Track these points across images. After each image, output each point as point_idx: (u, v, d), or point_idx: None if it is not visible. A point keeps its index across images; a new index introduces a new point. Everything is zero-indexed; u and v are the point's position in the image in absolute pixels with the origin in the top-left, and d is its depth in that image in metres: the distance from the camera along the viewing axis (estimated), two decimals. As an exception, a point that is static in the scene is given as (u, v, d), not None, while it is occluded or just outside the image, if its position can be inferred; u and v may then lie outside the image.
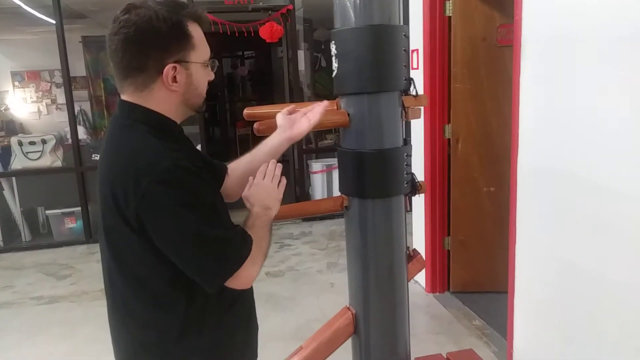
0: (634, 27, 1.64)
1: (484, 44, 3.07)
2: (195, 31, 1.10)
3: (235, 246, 1.09)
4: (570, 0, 1.92)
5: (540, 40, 2.11)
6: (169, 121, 1.13)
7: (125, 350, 1.21)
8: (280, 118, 1.40)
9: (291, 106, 1.46)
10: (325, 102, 1.46)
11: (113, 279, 1.18)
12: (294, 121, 1.40)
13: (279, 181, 1.26)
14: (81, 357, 2.94)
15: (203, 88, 1.17)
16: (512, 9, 2.25)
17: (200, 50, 1.12)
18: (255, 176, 1.23)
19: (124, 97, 1.12)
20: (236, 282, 1.10)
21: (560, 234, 2.08)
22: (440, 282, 3.47)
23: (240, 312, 1.23)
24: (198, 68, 1.12)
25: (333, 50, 1.59)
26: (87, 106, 6.49)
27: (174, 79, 1.08)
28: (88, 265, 4.51)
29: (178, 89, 1.09)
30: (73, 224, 5.12)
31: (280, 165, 1.28)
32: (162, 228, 1.03)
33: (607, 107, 1.78)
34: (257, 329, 1.33)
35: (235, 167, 1.41)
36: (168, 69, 1.06)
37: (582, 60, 1.89)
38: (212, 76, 1.19)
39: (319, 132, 6.01)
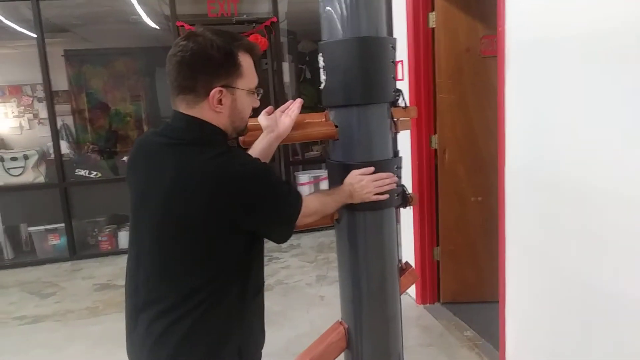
0: (618, 34, 1.66)
1: (468, 55, 3.10)
2: (245, 61, 1.24)
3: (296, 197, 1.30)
4: (552, 10, 1.94)
5: (524, 49, 2.12)
6: (223, 132, 1.26)
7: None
8: (262, 119, 1.47)
9: (268, 107, 1.51)
10: (299, 99, 1.55)
11: (161, 281, 1.22)
12: (276, 120, 1.49)
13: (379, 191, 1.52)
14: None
15: (247, 113, 1.30)
16: (494, 20, 2.27)
17: (248, 78, 1.25)
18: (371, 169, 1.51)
19: (180, 109, 1.24)
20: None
21: (550, 243, 2.08)
22: (430, 293, 3.46)
23: (260, 301, 1.36)
24: (243, 95, 1.25)
25: (321, 63, 1.58)
26: (70, 120, 6.41)
27: (220, 102, 1.21)
28: (73, 283, 4.42)
29: (223, 111, 1.22)
30: (57, 241, 5.02)
31: (392, 180, 1.55)
32: (264, 208, 1.21)
33: (594, 113, 1.79)
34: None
35: None
36: (215, 92, 1.19)
37: (566, 67, 1.91)
38: (257, 103, 1.32)
39: (305, 144, 6.01)
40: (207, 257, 1.19)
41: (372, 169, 1.53)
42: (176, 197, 1.17)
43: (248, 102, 1.28)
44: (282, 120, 1.49)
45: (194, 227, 1.17)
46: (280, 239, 1.30)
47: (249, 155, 1.26)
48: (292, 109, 1.52)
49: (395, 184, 1.58)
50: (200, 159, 1.17)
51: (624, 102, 1.66)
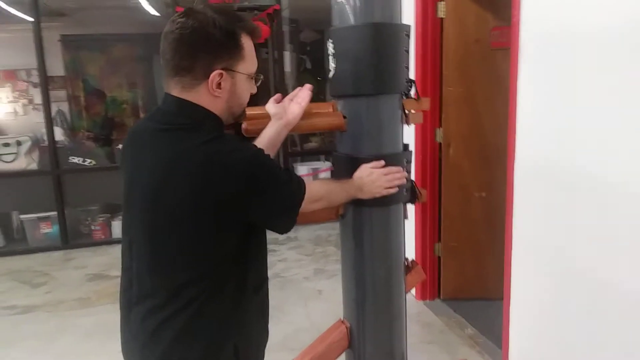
0: (636, 24, 1.59)
1: (477, 47, 3.02)
2: (247, 43, 1.16)
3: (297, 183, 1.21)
4: (569, 1, 1.87)
5: (539, 41, 2.05)
6: (221, 121, 1.18)
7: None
8: (271, 107, 1.41)
9: (277, 95, 1.46)
10: (309, 85, 1.47)
11: (151, 276, 1.16)
12: (284, 107, 1.42)
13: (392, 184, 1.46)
14: (57, 371, 2.79)
15: (245, 99, 1.22)
16: (505, 11, 2.19)
17: (249, 62, 1.17)
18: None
19: (173, 93, 1.15)
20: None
21: (560, 240, 2.02)
22: (430, 289, 3.40)
23: (262, 299, 1.29)
24: (243, 79, 1.17)
25: (330, 50, 1.50)
26: (65, 107, 6.29)
27: (219, 85, 1.13)
28: (64, 273, 4.34)
29: (221, 95, 1.14)
30: (49, 229, 4.94)
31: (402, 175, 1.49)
32: (258, 198, 1.11)
33: (610, 107, 1.73)
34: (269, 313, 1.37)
35: None
36: (215, 74, 1.11)
37: (583, 60, 1.84)
38: (254, 90, 1.24)
39: (304, 135, 5.93)
40: (199, 252, 1.11)
41: (382, 162, 1.46)
42: (164, 188, 1.09)
43: (247, 88, 1.21)
44: (291, 108, 1.41)
45: (183, 220, 1.09)
46: (282, 229, 1.21)
47: (242, 141, 1.16)
48: (302, 96, 1.44)
49: (405, 179, 1.50)
50: (189, 146, 1.08)
51: (644, 97, 1.60)
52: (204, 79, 1.11)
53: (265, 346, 1.34)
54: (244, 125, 1.43)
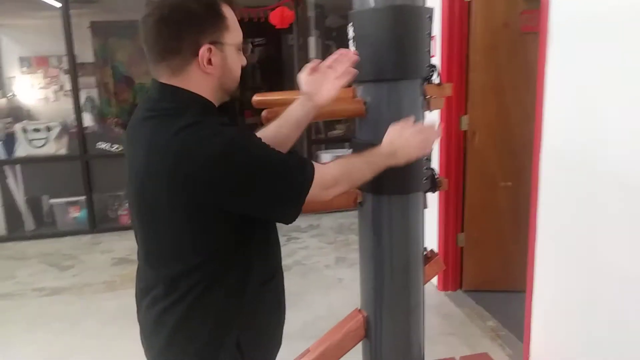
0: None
1: (506, 31, 2.92)
2: (229, 13, 1.09)
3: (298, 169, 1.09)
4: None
5: (569, 24, 1.97)
6: (210, 103, 1.11)
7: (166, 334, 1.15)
8: (304, 82, 1.32)
9: (314, 61, 1.34)
10: (353, 51, 1.34)
11: (150, 267, 1.15)
12: (320, 84, 1.30)
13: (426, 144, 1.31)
14: (80, 353, 2.86)
15: (237, 72, 1.15)
16: (536, -7, 2.10)
17: (234, 32, 1.11)
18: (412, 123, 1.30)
19: (162, 80, 1.09)
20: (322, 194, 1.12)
21: (586, 231, 1.96)
22: (452, 280, 3.35)
23: (272, 291, 1.22)
24: (232, 51, 1.11)
25: (350, 34, 1.47)
26: (94, 93, 6.39)
27: (209, 61, 1.07)
28: (92, 256, 4.43)
29: (213, 71, 1.08)
30: (77, 213, 5.04)
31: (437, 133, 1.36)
32: (244, 186, 1.02)
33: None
34: (285, 313, 1.31)
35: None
36: (204, 50, 1.05)
37: (616, 45, 1.76)
38: (244, 61, 1.17)
39: (328, 122, 5.89)
40: (188, 244, 1.07)
41: (412, 119, 1.32)
42: (146, 181, 1.06)
43: (238, 60, 1.14)
44: (325, 88, 1.30)
45: (167, 212, 1.05)
46: (284, 219, 1.10)
47: (225, 124, 1.06)
48: (341, 71, 1.30)
49: (439, 137, 1.41)
50: (165, 135, 1.01)
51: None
52: (193, 58, 1.05)
53: (278, 345, 1.29)
54: (263, 114, 1.40)
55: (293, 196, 1.07)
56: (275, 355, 1.28)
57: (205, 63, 1.06)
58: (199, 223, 1.05)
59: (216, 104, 1.14)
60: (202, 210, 1.03)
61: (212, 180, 0.99)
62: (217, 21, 1.06)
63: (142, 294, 1.19)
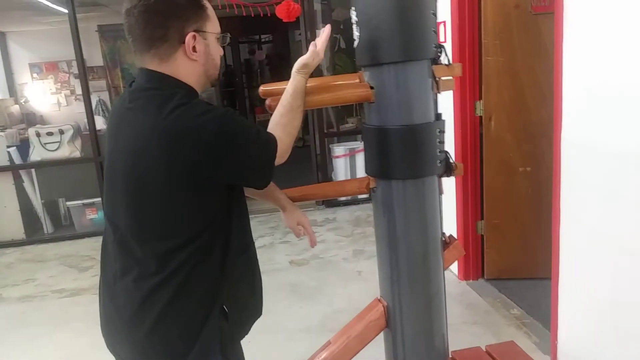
0: None
1: (517, 12, 2.84)
2: (207, 4, 1.19)
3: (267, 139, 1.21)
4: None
5: (585, 3, 1.89)
6: (194, 90, 1.19)
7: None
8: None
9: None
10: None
11: (140, 245, 1.17)
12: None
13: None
14: (101, 352, 2.85)
15: (218, 60, 1.25)
16: (548, -29, 2.03)
17: (214, 22, 1.20)
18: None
19: (150, 67, 1.16)
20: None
21: (612, 216, 1.88)
22: (473, 269, 3.29)
23: (247, 263, 1.29)
24: (213, 39, 1.21)
25: (354, 18, 1.43)
26: (105, 96, 6.43)
27: (194, 49, 1.15)
28: (110, 257, 4.45)
29: (198, 58, 1.17)
30: (94, 215, 5.08)
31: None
32: (240, 152, 1.13)
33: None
34: (261, 283, 1.37)
35: None
36: (189, 37, 1.13)
37: (635, 21, 1.68)
38: (222, 51, 1.27)
39: (340, 116, 5.85)
40: (182, 218, 1.14)
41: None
42: (138, 161, 1.11)
43: (218, 48, 1.24)
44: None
45: (162, 191, 1.11)
46: (260, 184, 1.24)
47: (208, 104, 1.15)
48: (320, 39, 1.37)
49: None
50: (161, 116, 1.08)
51: None
52: (179, 45, 1.13)
53: (255, 316, 1.34)
54: (267, 102, 1.38)
55: (269, 161, 1.20)
56: (253, 323, 1.34)
57: (191, 50, 1.14)
58: (197, 197, 1.12)
59: (199, 91, 1.21)
60: (199, 184, 1.11)
61: (205, 154, 1.08)
62: (199, 10, 1.16)
63: (119, 278, 1.19)
